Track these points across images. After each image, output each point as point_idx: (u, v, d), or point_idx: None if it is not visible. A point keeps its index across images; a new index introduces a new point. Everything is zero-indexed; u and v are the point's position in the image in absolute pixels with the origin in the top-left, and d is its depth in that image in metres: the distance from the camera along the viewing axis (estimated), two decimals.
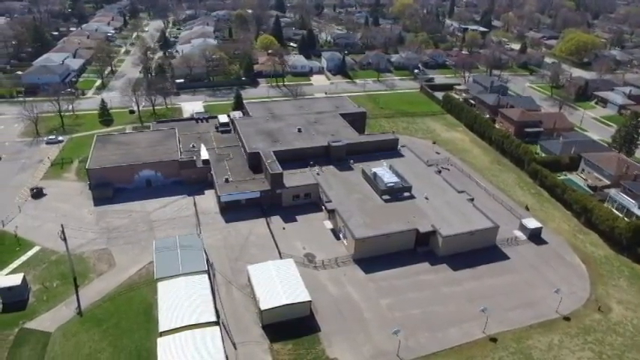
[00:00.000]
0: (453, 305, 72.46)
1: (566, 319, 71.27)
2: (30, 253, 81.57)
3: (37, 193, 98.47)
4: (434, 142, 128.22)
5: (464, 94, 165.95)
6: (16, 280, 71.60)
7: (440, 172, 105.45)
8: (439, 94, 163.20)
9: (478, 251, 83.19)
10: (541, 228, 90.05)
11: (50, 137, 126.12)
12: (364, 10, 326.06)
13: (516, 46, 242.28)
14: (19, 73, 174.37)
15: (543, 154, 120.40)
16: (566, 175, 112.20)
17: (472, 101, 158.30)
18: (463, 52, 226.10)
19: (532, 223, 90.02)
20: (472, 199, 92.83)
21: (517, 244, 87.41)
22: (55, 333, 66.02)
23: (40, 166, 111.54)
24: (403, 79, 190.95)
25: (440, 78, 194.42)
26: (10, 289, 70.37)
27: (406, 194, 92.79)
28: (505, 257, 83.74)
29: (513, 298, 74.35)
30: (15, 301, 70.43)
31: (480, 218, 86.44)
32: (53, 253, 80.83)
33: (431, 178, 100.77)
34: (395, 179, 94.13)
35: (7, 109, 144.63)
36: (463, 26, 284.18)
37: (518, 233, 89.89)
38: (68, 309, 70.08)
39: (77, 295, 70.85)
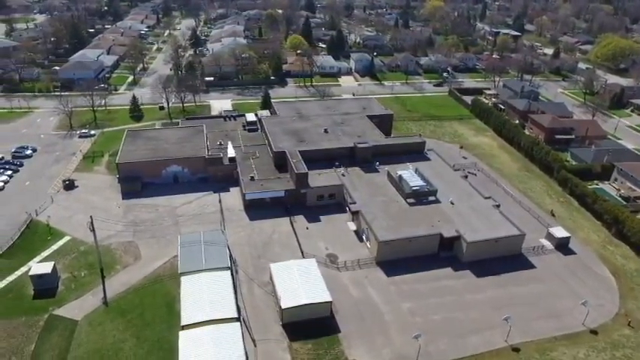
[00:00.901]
0: (476, 312, 71.42)
1: (594, 332, 69.37)
2: (60, 243, 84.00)
3: (69, 185, 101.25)
4: (461, 147, 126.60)
5: (493, 99, 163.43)
6: (47, 268, 73.88)
7: (466, 176, 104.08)
8: (468, 98, 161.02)
9: (503, 259, 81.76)
10: (569, 237, 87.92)
11: (83, 131, 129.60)
12: (394, 12, 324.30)
13: (549, 51, 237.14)
14: (57, 68, 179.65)
15: (574, 162, 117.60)
16: (597, 185, 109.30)
17: (502, 106, 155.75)
18: (494, 56, 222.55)
19: (560, 232, 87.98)
20: (498, 206, 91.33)
21: (544, 253, 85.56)
22: (81, 321, 67.83)
23: (72, 159, 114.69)
24: (432, 82, 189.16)
25: (469, 82, 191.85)
26: (41, 276, 72.64)
27: (431, 198, 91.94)
28: (531, 266, 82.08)
29: (538, 308, 72.77)
30: (45, 288, 72.68)
31: (506, 225, 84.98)
32: (82, 244, 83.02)
33: (457, 182, 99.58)
34: (420, 183, 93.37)
35: (43, 103, 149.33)
36: (495, 30, 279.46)
37: (545, 242, 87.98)
38: (95, 298, 71.89)
39: (104, 286, 72.66)
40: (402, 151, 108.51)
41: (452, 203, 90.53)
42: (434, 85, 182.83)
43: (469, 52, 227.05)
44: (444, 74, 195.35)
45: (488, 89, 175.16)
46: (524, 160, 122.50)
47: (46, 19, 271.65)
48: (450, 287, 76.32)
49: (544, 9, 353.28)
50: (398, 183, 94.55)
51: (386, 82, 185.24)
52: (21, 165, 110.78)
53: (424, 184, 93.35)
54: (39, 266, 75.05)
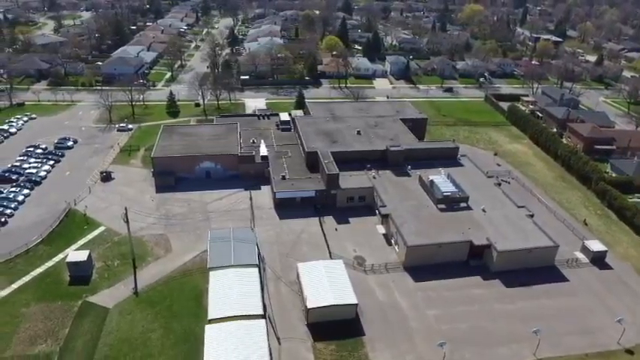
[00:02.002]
0: (504, 323, 69.93)
1: (629, 352, 66.79)
2: (96, 232, 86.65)
3: (106, 177, 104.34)
4: (495, 154, 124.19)
5: (531, 106, 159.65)
6: (82, 256, 76.43)
7: (500, 184, 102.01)
8: (504, 105, 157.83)
9: (534, 270, 79.75)
10: (606, 252, 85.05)
11: (121, 125, 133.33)
12: (432, 15, 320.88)
13: (592, 58, 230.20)
14: (99, 63, 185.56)
15: (614, 174, 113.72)
16: (639, 199, 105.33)
17: (539, 113, 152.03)
18: (533, 62, 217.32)
19: (596, 246, 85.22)
20: (532, 215, 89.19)
21: (578, 267, 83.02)
22: (112, 309, 69.78)
23: (110, 152, 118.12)
24: (468, 86, 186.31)
25: (506, 88, 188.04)
26: (76, 263, 75.19)
27: (463, 205, 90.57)
28: (563, 279, 79.77)
29: (570, 323, 70.63)
30: (80, 275, 75.18)
31: (539, 236, 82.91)
32: (116, 234, 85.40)
33: (490, 190, 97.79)
34: (452, 188, 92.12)
35: (86, 97, 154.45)
36: (535, 35, 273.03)
37: (580, 255, 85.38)
38: (126, 288, 73.84)
39: (135, 276, 74.67)
40: (434, 156, 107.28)
41: (484, 211, 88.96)
42: (443, 91, 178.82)
43: (507, 57, 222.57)
44: (481, 79, 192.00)
45: (526, 96, 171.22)
46: (561, 170, 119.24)
47: (91, 16, 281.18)
48: (479, 296, 74.99)
49: (588, 14, 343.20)
50: (429, 188, 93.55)
51: (421, 86, 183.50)
52: (62, 155, 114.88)
53: (456, 190, 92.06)
54: (75, 254, 77.67)
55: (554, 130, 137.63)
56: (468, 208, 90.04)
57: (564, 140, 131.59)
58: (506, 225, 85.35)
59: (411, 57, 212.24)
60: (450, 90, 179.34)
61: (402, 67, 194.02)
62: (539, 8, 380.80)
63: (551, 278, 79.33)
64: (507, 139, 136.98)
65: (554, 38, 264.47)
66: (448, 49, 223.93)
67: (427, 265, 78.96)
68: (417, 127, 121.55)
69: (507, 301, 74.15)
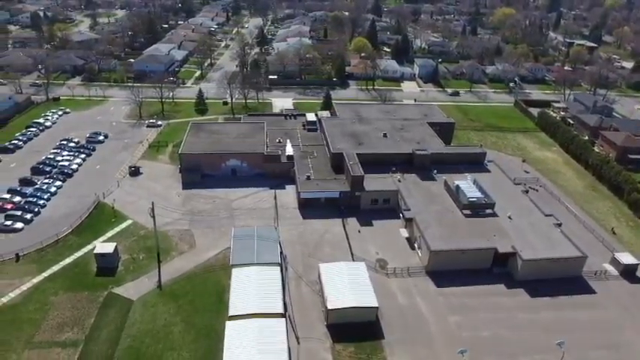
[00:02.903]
0: (527, 333, 68.56)
1: None
2: (123, 226, 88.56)
3: (135, 172, 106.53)
4: (523, 160, 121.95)
5: (562, 112, 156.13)
6: (109, 248, 78.24)
7: (527, 192, 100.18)
8: (534, 111, 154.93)
9: (561, 280, 78.02)
10: (637, 265, 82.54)
11: (151, 121, 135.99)
12: (462, 19, 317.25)
13: (629, 65, 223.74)
14: (131, 60, 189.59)
15: None
16: None
17: (570, 120, 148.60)
18: (566, 67, 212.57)
19: (627, 258, 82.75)
20: (560, 224, 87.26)
21: (606, 279, 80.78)
22: (136, 301, 71.19)
23: (139, 147, 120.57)
24: (497, 91, 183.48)
25: (537, 93, 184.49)
26: (103, 255, 77.05)
27: (488, 211, 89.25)
28: (591, 291, 77.72)
29: (596, 337, 68.80)
30: (107, 266, 77.01)
31: (567, 245, 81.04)
32: (142, 228, 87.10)
33: (517, 197, 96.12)
34: (478, 194, 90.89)
35: (117, 93, 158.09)
36: (568, 40, 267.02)
37: (609, 267, 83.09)
38: (150, 281, 75.22)
39: (159, 270, 75.94)
40: (461, 161, 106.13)
41: (510, 218, 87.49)
42: (449, 94, 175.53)
43: (539, 62, 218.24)
44: (511, 84, 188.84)
45: (557, 102, 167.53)
46: (592, 179, 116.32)
47: (125, 15, 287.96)
48: (502, 304, 73.76)
49: (626, 19, 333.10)
50: (455, 193, 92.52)
51: (449, 90, 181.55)
52: (93, 149, 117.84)
53: (482, 195, 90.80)
54: (103, 246, 79.56)
55: (586, 137, 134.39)
56: (494, 214, 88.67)
57: (596, 148, 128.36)
58: (532, 233, 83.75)
59: (440, 60, 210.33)
60: (456, 94, 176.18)
61: (430, 70, 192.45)
62: (573, 12, 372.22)
63: (577, 290, 77.42)
64: (536, 146, 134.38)
65: (588, 43, 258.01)
66: (478, 52, 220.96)
67: (450, 271, 78.06)
68: (445, 131, 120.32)
69: (531, 311, 72.71)
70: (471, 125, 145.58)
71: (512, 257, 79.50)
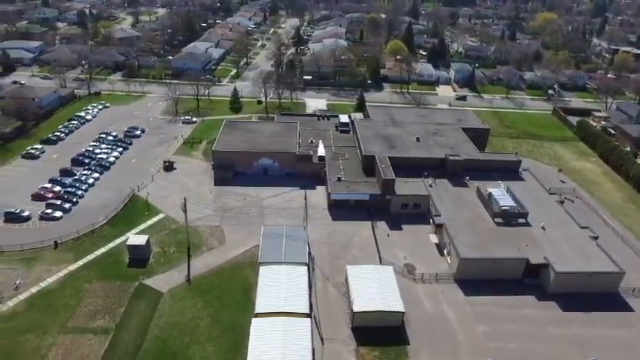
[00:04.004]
0: (557, 347, 66.69)
1: None
2: (155, 219, 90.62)
3: (169, 167, 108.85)
4: (560, 170, 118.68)
5: (603, 122, 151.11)
6: (141, 240, 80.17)
7: (562, 202, 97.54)
8: (573, 119, 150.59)
9: (595, 295, 75.39)
10: None
11: (186, 117, 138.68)
12: (501, 23, 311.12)
13: None
14: (170, 58, 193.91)
15: None
16: None
17: (612, 130, 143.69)
18: (609, 75, 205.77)
19: None
20: (596, 238, 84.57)
21: None
22: (165, 294, 72.74)
23: (174, 143, 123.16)
24: (535, 98, 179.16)
25: (577, 102, 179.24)
26: (136, 247, 79.03)
27: (521, 220, 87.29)
28: (628, 308, 74.86)
29: (632, 357, 66.25)
30: (139, 258, 78.96)
31: (603, 259, 78.42)
32: (174, 222, 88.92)
33: (551, 207, 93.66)
34: (511, 203, 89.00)
35: (155, 89, 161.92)
36: (613, 47, 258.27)
37: None
38: (179, 275, 76.72)
39: (188, 264, 77.55)
40: (494, 168, 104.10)
41: (543, 228, 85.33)
42: (456, 99, 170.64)
43: (580, 69, 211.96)
44: (549, 91, 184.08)
45: (598, 111, 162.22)
46: (632, 192, 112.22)
47: (166, 13, 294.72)
48: (531, 317, 71.98)
49: None
50: (487, 200, 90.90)
51: (485, 95, 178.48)
52: (130, 144, 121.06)
53: (515, 204, 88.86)
54: (135, 238, 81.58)
55: (628, 149, 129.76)
56: (527, 224, 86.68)
57: (639, 160, 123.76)
58: (566, 245, 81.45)
59: (476, 65, 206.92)
60: (463, 98, 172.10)
61: (466, 75, 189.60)
62: (620, 18, 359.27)
63: (613, 306, 74.80)
64: (574, 156, 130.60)
65: (635, 50, 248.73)
66: (516, 58, 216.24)
67: (479, 280, 76.73)
68: (479, 137, 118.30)
69: (562, 325, 70.68)
70: (506, 132, 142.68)
71: (544, 269, 77.51)
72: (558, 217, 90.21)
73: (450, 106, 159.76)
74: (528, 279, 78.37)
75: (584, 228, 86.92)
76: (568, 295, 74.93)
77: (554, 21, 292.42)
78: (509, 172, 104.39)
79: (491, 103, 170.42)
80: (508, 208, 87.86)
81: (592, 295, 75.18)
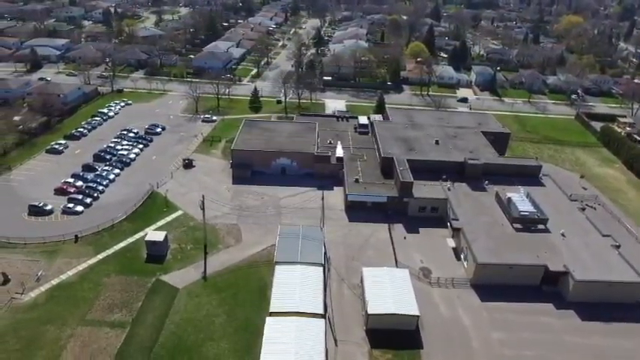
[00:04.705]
0: (575, 358, 65.40)
1: None
2: (174, 216, 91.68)
3: (188, 164, 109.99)
4: (582, 176, 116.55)
5: (628, 128, 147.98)
6: (160, 236, 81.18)
7: (584, 209, 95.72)
8: (597, 125, 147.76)
9: (616, 306, 73.82)
10: None
11: (206, 116, 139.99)
12: (525, 26, 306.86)
13: None
14: (191, 56, 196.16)
15: None
16: None
17: (637, 137, 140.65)
18: (636, 80, 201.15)
19: None
20: (618, 246, 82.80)
21: None
22: (181, 290, 73.52)
23: (193, 141, 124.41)
24: (557, 103, 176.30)
25: (601, 107, 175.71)
26: (154, 243, 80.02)
27: (540, 226, 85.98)
28: None
29: None
30: (156, 254, 79.94)
31: (625, 269, 76.71)
32: (192, 220, 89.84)
33: (572, 214, 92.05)
34: (530, 208, 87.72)
35: (176, 87, 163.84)
36: None
37: None
38: (196, 272, 77.47)
39: (205, 261, 78.22)
40: (514, 173, 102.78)
41: (563, 235, 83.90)
42: (457, 101, 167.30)
43: (605, 74, 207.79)
44: (573, 96, 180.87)
45: (624, 117, 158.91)
46: None
47: (188, 12, 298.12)
48: (549, 325, 70.82)
49: None
50: (506, 205, 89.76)
51: (506, 99, 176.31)
52: (151, 141, 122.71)
53: (534, 210, 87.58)
54: (153, 234, 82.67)
55: None
56: (546, 230, 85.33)
57: None
58: (587, 253, 79.95)
59: (498, 68, 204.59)
60: (464, 100, 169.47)
61: (487, 78, 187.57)
62: None
63: (634, 317, 73.10)
64: (597, 162, 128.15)
65: None
66: (539, 62, 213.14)
67: (496, 285, 75.80)
68: (499, 141, 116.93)
69: (581, 335, 69.39)
70: (527, 137, 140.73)
71: (563, 277, 76.22)
72: (579, 224, 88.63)
73: (471, 109, 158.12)
74: (546, 286, 77.16)
75: (605, 236, 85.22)
76: (587, 304, 73.56)
77: (580, 24, 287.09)
78: (529, 177, 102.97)
79: (512, 107, 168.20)
80: (527, 213, 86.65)
81: (612, 305, 73.67)
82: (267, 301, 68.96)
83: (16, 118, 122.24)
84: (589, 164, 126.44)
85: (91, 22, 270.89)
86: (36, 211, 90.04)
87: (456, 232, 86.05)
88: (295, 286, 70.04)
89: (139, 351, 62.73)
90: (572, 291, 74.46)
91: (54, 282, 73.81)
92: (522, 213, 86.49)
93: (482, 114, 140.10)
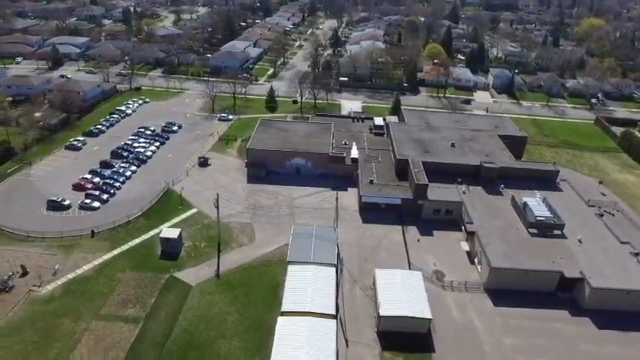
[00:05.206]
0: None
1: None
2: (188, 213, 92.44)
3: (203, 163, 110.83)
4: (600, 182, 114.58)
5: None
6: (174, 233, 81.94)
7: (602, 215, 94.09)
8: (617, 130, 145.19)
9: (634, 315, 72.53)
10: None
11: (222, 115, 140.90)
12: (544, 29, 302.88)
13: None
14: (209, 55, 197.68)
15: None
16: None
17: None
18: None
19: None
20: (637, 254, 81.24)
21: None
22: (195, 287, 74.12)
23: (209, 139, 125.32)
24: (576, 107, 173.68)
25: (622, 111, 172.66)
26: (168, 240, 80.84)
27: (557, 232, 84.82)
28: None
29: None
30: (170, 251, 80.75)
31: None
32: (206, 218, 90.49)
33: (589, 220, 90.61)
34: (547, 213, 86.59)
35: (193, 86, 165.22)
36: None
37: None
38: (209, 269, 78.06)
39: (218, 259, 78.86)
40: (531, 177, 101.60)
41: (580, 241, 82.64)
42: (461, 102, 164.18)
43: (627, 77, 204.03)
44: (593, 100, 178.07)
45: None
46: None
47: (206, 12, 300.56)
48: (563, 332, 69.79)
49: None
50: (522, 210, 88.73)
51: (524, 102, 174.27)
52: (167, 139, 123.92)
53: (551, 215, 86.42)
54: (168, 231, 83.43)
55: None
56: (563, 236, 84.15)
57: None
58: (604, 260, 78.65)
59: (516, 71, 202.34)
60: (467, 102, 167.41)
61: (505, 81, 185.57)
62: None
63: None
64: (617, 168, 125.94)
65: None
66: (559, 65, 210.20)
67: (510, 290, 74.95)
68: (515, 144, 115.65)
69: (597, 344, 68.25)
70: (545, 141, 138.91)
71: (579, 283, 75.08)
72: (597, 230, 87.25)
73: (487, 112, 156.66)
74: (562, 293, 76.11)
75: (624, 243, 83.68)
76: (604, 312, 72.28)
77: (602, 27, 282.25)
78: (546, 181, 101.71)
79: (530, 110, 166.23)
80: (543, 218, 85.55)
81: (631, 314, 72.36)
82: (279, 300, 69.16)
83: (37, 114, 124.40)
84: (608, 169, 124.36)
85: (111, 20, 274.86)
86: (54, 206, 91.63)
87: (471, 236, 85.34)
88: (307, 286, 70.10)
89: (151, 346, 63.42)
90: (588, 298, 73.31)
91: (70, 276, 75.02)
92: (538, 218, 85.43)
93: (499, 117, 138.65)
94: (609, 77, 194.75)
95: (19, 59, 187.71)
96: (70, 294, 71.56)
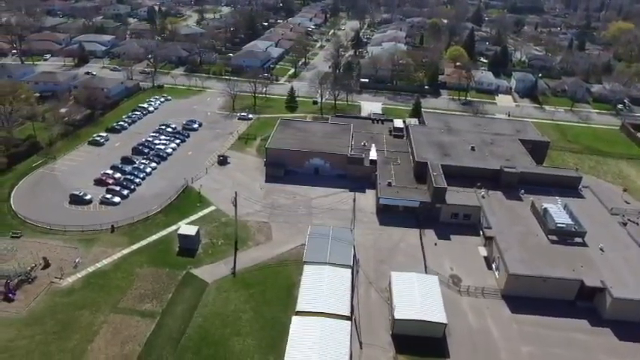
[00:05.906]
0: None
1: None
2: (206, 211, 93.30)
3: (223, 161, 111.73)
4: (625, 190, 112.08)
5: None
6: (192, 230, 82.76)
7: (625, 224, 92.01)
8: None
9: None
10: None
11: (242, 114, 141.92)
12: (570, 32, 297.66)
13: None
14: (230, 55, 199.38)
15: None
16: None
17: None
18: None
19: None
20: None
21: None
22: (211, 284, 74.78)
23: (229, 138, 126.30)
24: (602, 112, 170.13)
25: None
26: (186, 236, 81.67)
27: (577, 240, 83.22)
28: None
29: None
30: (188, 248, 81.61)
31: None
32: (224, 216, 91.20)
33: (612, 228, 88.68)
34: (568, 220, 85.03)
35: (215, 85, 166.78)
36: None
37: None
38: (226, 267, 78.68)
39: (235, 257, 79.40)
40: (552, 183, 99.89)
41: (601, 250, 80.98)
42: (462, 103, 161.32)
43: None
44: (619, 106, 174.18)
45: None
46: None
47: (229, 11, 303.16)
48: (582, 342, 68.43)
49: None
50: (542, 216, 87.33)
51: (547, 107, 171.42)
52: (188, 136, 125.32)
53: (572, 222, 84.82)
54: (186, 228, 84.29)
55: None
56: (584, 244, 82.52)
57: None
58: (626, 270, 76.88)
59: (540, 75, 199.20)
60: (468, 103, 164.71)
61: (528, 85, 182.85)
62: None
63: None
64: None
65: None
66: (584, 69, 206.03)
67: (528, 298, 73.86)
68: (537, 150, 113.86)
69: (617, 355, 66.72)
70: (567, 146, 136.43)
71: (600, 293, 73.53)
72: (620, 239, 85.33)
73: (509, 116, 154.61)
74: (581, 302, 74.64)
75: None
76: (625, 323, 70.77)
77: (630, 31, 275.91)
78: (568, 188, 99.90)
79: (553, 115, 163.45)
80: (564, 225, 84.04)
81: None
82: (294, 300, 69.33)
83: (62, 110, 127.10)
84: (633, 177, 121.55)
85: (136, 19, 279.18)
86: (76, 200, 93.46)
87: (489, 241, 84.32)
88: (323, 286, 70.16)
89: (167, 341, 64.20)
90: (609, 308, 71.76)
91: (90, 269, 76.43)
92: (559, 225, 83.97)
93: (521, 121, 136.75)
94: (637, 82, 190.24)
95: (47, 56, 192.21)
96: (89, 287, 72.91)
